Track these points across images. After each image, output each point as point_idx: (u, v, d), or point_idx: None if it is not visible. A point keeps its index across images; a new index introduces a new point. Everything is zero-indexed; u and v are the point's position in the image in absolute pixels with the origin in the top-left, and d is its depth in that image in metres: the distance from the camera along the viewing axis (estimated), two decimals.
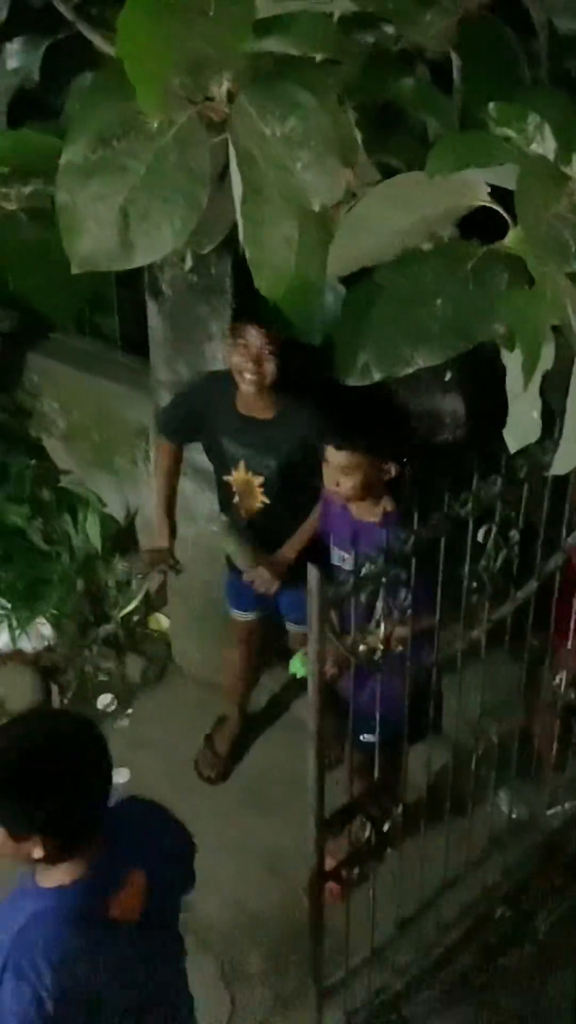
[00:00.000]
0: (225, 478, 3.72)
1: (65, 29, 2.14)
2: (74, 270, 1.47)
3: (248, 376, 3.44)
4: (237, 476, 3.68)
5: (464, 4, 1.70)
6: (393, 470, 3.22)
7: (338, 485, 3.21)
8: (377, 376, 1.46)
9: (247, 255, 1.46)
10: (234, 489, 3.71)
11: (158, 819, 2.50)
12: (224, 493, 3.76)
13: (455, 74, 1.75)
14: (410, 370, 1.44)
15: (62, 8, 2.14)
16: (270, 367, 3.42)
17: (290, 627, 4.03)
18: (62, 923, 2.19)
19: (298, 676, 4.25)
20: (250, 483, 3.66)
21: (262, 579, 3.65)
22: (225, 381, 3.55)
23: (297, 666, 4.33)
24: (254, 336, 3.39)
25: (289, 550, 3.65)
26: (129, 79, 1.25)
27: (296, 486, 3.60)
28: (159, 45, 1.18)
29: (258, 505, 3.68)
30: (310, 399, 3.51)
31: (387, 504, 3.27)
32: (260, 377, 3.43)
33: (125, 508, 4.73)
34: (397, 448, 3.25)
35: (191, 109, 1.39)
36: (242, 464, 3.64)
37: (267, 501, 3.66)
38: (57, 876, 2.21)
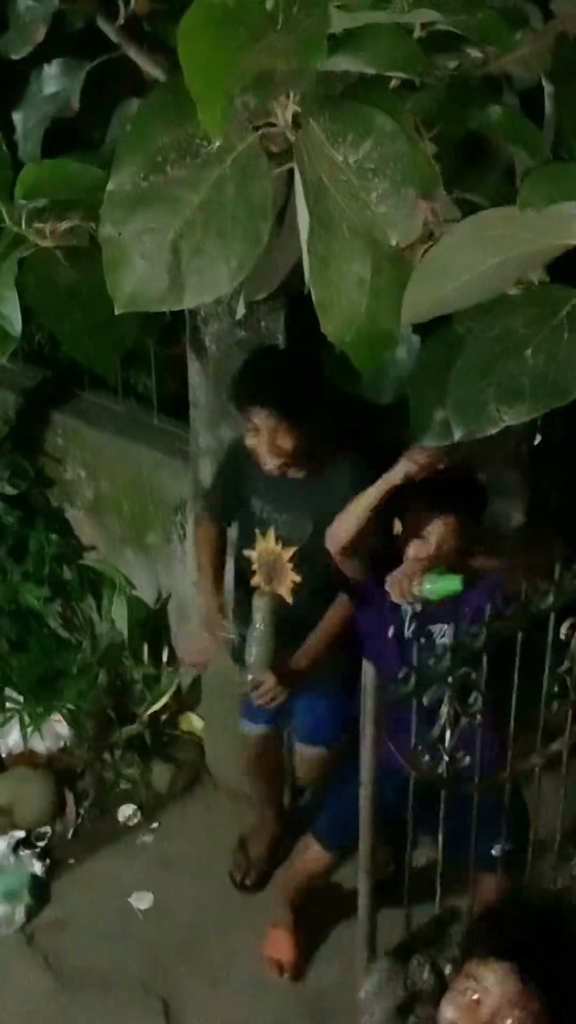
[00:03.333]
0: (246, 552, 3.62)
1: (109, 52, 2.19)
2: (118, 310, 1.48)
3: (268, 459, 3.38)
4: (263, 548, 3.56)
5: (557, 26, 1.73)
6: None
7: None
8: (458, 435, 1.46)
9: (313, 296, 1.46)
10: (255, 567, 3.60)
11: None
12: (243, 572, 3.63)
13: (547, 102, 1.77)
14: (495, 429, 1.44)
15: (106, 29, 2.19)
16: (287, 443, 3.34)
17: (299, 748, 3.90)
18: None
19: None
20: (279, 557, 3.53)
21: (264, 689, 3.44)
22: None
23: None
24: (263, 418, 3.32)
25: (304, 656, 3.47)
26: (186, 98, 1.26)
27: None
28: (223, 56, 1.20)
29: (288, 585, 3.54)
30: (355, 450, 3.45)
31: None
32: (278, 458, 3.37)
33: (157, 591, 4.72)
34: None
35: (253, 135, 1.41)
36: (271, 532, 3.53)
37: (298, 579, 3.52)
38: None
